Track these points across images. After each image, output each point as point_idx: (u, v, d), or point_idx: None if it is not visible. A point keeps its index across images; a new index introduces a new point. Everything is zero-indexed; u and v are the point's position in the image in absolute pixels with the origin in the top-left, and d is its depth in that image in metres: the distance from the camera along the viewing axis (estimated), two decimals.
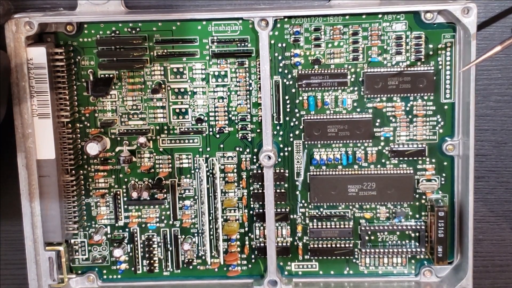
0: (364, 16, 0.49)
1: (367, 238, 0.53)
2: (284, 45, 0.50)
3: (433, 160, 0.51)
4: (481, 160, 0.53)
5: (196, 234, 0.53)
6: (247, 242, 0.53)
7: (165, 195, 0.52)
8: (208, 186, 0.52)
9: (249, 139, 0.52)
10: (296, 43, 0.50)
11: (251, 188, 0.52)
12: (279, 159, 0.52)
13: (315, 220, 0.53)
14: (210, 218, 0.53)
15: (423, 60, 0.50)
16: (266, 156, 0.50)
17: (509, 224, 0.54)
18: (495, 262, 0.54)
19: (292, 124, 0.51)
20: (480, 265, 0.54)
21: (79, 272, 0.54)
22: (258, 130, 0.51)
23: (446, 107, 0.50)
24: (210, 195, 0.52)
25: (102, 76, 0.51)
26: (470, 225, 0.50)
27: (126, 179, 0.52)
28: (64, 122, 0.50)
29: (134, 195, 0.51)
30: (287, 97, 0.51)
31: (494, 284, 0.54)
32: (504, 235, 0.54)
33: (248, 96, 0.51)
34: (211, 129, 0.52)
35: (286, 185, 0.52)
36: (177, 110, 0.51)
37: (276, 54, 0.50)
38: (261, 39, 0.48)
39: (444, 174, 0.51)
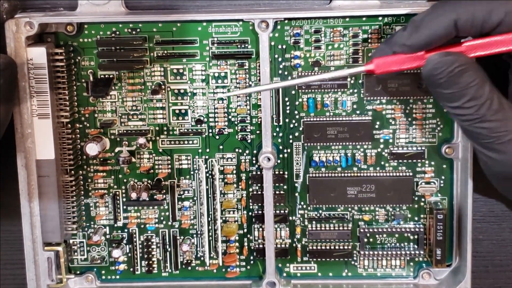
0: (364, 18, 0.49)
1: (366, 240, 0.52)
2: (284, 46, 0.50)
3: (432, 163, 0.51)
4: None
5: (195, 235, 0.53)
6: (246, 244, 0.53)
7: (164, 196, 0.52)
8: (207, 187, 0.52)
9: (249, 141, 0.52)
10: (296, 45, 0.50)
11: (250, 189, 0.52)
12: (279, 161, 0.52)
13: (314, 222, 0.53)
14: (209, 219, 0.53)
15: None
16: (265, 158, 0.50)
17: (509, 224, 0.54)
18: (495, 262, 0.54)
19: (291, 125, 0.51)
20: (480, 265, 0.54)
21: (78, 272, 0.54)
22: (258, 132, 0.51)
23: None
24: (209, 196, 0.52)
25: (102, 76, 0.51)
26: (469, 228, 0.50)
27: (125, 180, 0.52)
28: (64, 122, 0.50)
29: (133, 195, 0.51)
30: (286, 99, 0.51)
31: (494, 284, 0.54)
32: (504, 235, 0.54)
33: (248, 98, 0.51)
34: (210, 130, 0.52)
35: (285, 187, 0.52)
36: (177, 111, 0.51)
37: (276, 56, 0.50)
38: (261, 40, 0.48)
39: (443, 177, 0.51)
